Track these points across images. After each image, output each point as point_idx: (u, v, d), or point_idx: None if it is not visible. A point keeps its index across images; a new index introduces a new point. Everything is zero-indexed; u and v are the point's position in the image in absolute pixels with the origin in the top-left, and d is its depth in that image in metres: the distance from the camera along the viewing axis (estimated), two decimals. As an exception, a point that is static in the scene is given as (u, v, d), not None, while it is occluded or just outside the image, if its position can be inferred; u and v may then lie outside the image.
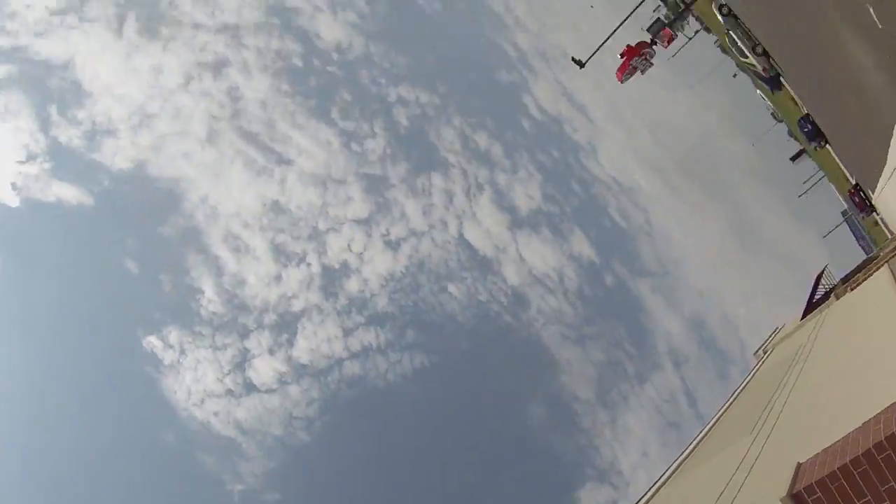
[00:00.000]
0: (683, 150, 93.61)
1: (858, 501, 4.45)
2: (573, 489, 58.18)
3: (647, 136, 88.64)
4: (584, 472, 59.70)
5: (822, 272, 21.10)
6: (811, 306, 18.69)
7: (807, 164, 53.18)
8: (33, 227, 55.32)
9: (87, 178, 57.21)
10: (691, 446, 12.09)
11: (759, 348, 20.55)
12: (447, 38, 77.94)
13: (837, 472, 4.55)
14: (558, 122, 79.63)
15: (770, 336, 21.34)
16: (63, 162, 56.65)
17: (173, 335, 55.56)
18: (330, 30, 71.17)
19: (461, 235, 69.13)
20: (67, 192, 55.54)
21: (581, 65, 25.64)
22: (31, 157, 55.41)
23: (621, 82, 27.01)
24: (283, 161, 65.72)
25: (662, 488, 10.43)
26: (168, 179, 61.26)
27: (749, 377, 16.22)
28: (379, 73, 71.91)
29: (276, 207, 63.90)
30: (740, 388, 15.34)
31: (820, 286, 19.93)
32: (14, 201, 53.99)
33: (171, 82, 62.18)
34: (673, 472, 11.10)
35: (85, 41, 58.27)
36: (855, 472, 4.49)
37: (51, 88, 57.57)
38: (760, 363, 17.80)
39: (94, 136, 58.36)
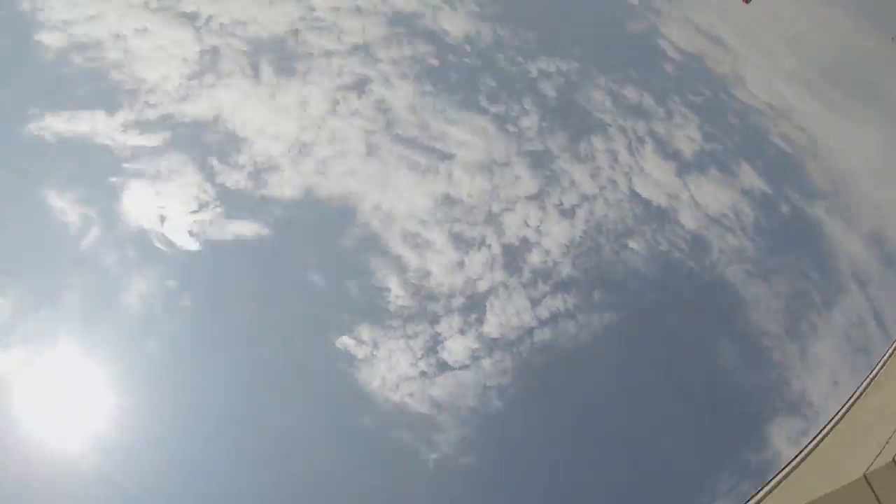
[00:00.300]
0: (827, 61, 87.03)
1: None
2: (763, 423, 56.62)
3: (788, 54, 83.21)
4: (774, 406, 57.82)
5: None
6: None
7: None
8: (216, 265, 59.26)
9: (260, 212, 60.26)
10: (882, 361, 11.85)
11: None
12: (567, 2, 76.01)
13: None
14: (699, 58, 76.08)
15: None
16: (233, 203, 59.85)
17: (365, 332, 57.75)
18: (454, 24, 71.28)
19: (632, 190, 67.72)
20: (243, 229, 58.75)
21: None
22: (202, 206, 58.92)
23: (746, 3, 25.87)
24: (445, 157, 66.54)
25: (856, 403, 10.37)
26: (338, 197, 63.59)
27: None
28: (514, 53, 71.17)
29: (448, 200, 64.90)
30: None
31: None
32: (194, 246, 57.73)
33: (318, 110, 64.06)
34: (864, 391, 10.98)
35: (227, 94, 61.10)
36: None
37: (206, 143, 60.88)
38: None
39: (259, 175, 61.29)
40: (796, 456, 9.45)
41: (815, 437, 9.85)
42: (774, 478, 8.56)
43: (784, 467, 9.18)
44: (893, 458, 5.06)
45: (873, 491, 5.19)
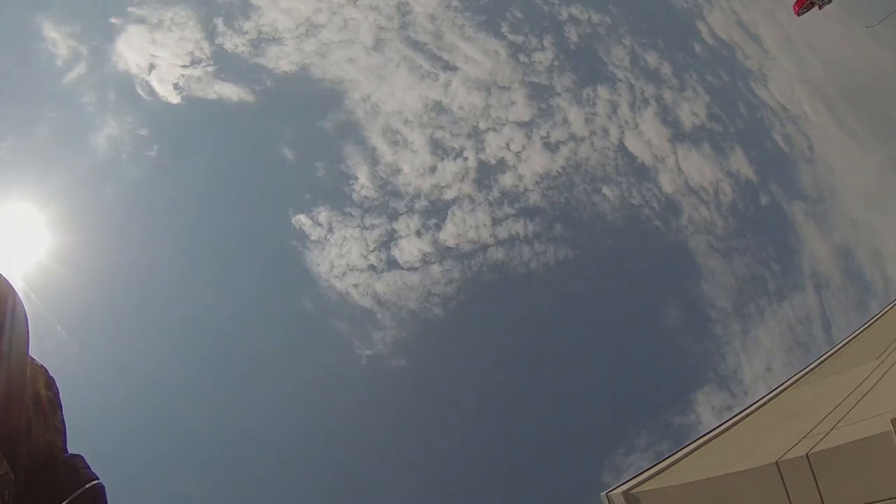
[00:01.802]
0: (855, 87, 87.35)
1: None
2: (691, 389, 58.49)
3: (820, 70, 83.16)
4: (706, 375, 59.68)
5: None
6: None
7: None
8: (193, 121, 59.21)
9: (250, 79, 59.98)
10: (818, 361, 12.30)
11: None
12: None
13: (951, 404, 4.83)
14: (730, 48, 76.10)
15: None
16: (226, 66, 59.58)
17: (323, 215, 58.59)
18: None
19: (621, 143, 68.23)
20: (229, 91, 58.78)
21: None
22: (195, 62, 58.82)
23: (798, 15, 25.69)
24: (449, 67, 66.26)
25: (781, 394, 10.80)
26: (331, 80, 63.09)
27: (888, 308, 15.97)
28: None
29: (438, 107, 64.94)
30: (878, 315, 15.18)
31: None
32: (175, 99, 57.98)
33: None
34: (795, 382, 11.42)
35: None
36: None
37: (218, 3, 60.50)
38: (906, 293, 17.40)
39: (260, 44, 60.99)
40: (717, 427, 9.83)
41: (738, 414, 10.27)
42: (691, 444, 8.94)
43: (703, 436, 9.59)
44: (807, 454, 5.35)
45: (782, 478, 5.50)
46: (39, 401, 1.51)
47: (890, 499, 4.92)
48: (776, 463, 5.61)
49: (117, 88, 59.86)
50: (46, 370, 1.53)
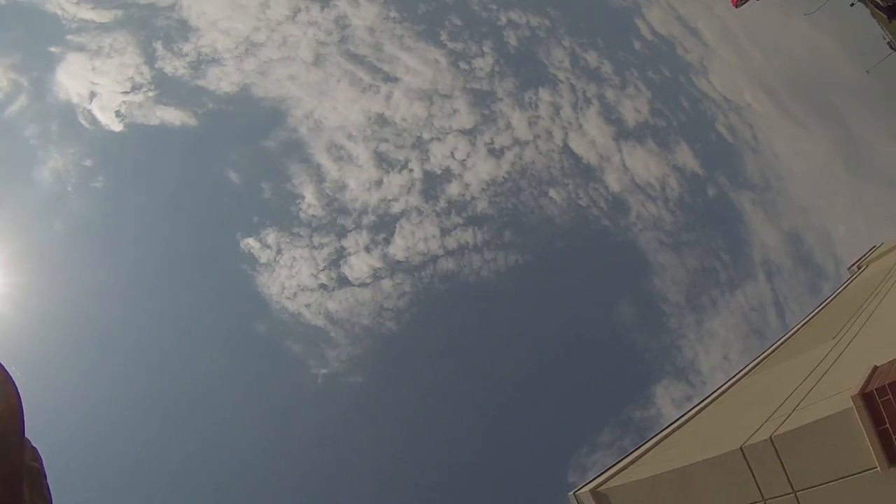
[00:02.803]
0: (796, 74, 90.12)
1: (927, 406, 4.73)
2: (650, 383, 59.21)
3: (760, 59, 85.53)
4: (663, 368, 60.57)
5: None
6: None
7: None
8: (137, 148, 58.78)
9: (192, 102, 59.56)
10: (774, 346, 12.40)
11: (854, 263, 20.36)
12: None
13: (910, 376, 4.81)
14: (670, 43, 78.05)
15: (866, 253, 21.07)
16: (167, 90, 59.26)
17: (271, 236, 58.54)
18: None
19: (566, 145, 69.36)
20: (171, 115, 58.47)
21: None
22: (135, 88, 58.42)
23: (736, 7, 26.24)
24: (390, 79, 66.76)
25: (740, 382, 10.84)
26: (273, 99, 62.99)
27: (840, 289, 16.22)
28: (489, 0, 71.93)
29: (381, 120, 65.31)
30: (830, 298, 15.40)
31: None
32: (118, 127, 57.38)
33: (278, 14, 63.62)
34: (753, 369, 11.48)
35: None
36: (928, 378, 4.74)
37: (156, 27, 60.01)
38: (853, 277, 17.70)
39: (199, 66, 60.78)
40: (679, 419, 9.82)
41: (699, 405, 10.27)
42: (656, 437, 8.90)
43: (666, 428, 9.55)
44: (770, 437, 5.31)
45: (748, 463, 5.45)
46: (29, 473, 1.40)
47: (856, 474, 4.88)
48: (741, 448, 5.56)
49: (60, 119, 58.89)
50: (30, 441, 1.41)
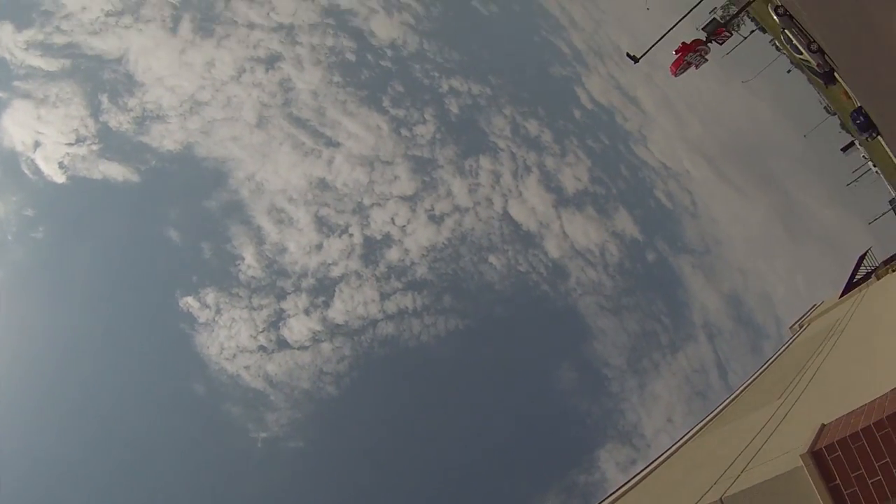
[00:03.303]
0: (734, 140, 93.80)
1: (878, 462, 4.64)
2: (594, 448, 59.06)
3: (699, 127, 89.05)
4: (606, 432, 60.58)
5: (865, 254, 21.12)
6: (851, 285, 18.78)
7: (856, 155, 54.65)
8: (79, 201, 58.41)
9: (135, 158, 59.65)
10: (719, 408, 12.34)
11: (796, 322, 20.65)
12: (502, 37, 79.76)
13: (860, 433, 4.73)
14: (609, 112, 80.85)
15: (807, 312, 21.41)
16: (111, 144, 59.43)
17: (210, 296, 57.97)
18: (384, 29, 73.16)
19: (506, 212, 70.60)
20: (114, 171, 58.41)
21: (636, 60, 25.81)
22: (80, 140, 58.46)
23: (675, 76, 27.03)
24: (332, 144, 67.76)
25: (686, 444, 10.72)
26: (215, 159, 63.26)
27: (783, 348, 16.36)
28: (432, 68, 73.74)
29: (322, 184, 65.91)
30: (774, 357, 15.50)
31: (862, 267, 19.98)
32: (61, 178, 57.03)
33: (223, 75, 64.52)
34: (698, 431, 11.38)
35: (139, 38, 60.76)
36: (877, 434, 4.66)
37: (103, 79, 60.27)
38: (796, 336, 17.91)
39: (144, 122, 61.14)
40: (624, 485, 9.65)
41: (644, 469, 10.11)
42: (604, 501, 8.71)
43: (613, 492, 9.36)
44: (721, 498, 5.19)
45: (698, 527, 5.30)
46: None
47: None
48: (691, 511, 5.40)
49: (2, 166, 57.99)
50: None
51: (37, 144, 56.45)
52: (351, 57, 70.62)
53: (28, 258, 54.73)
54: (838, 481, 4.68)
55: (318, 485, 56.02)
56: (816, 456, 4.80)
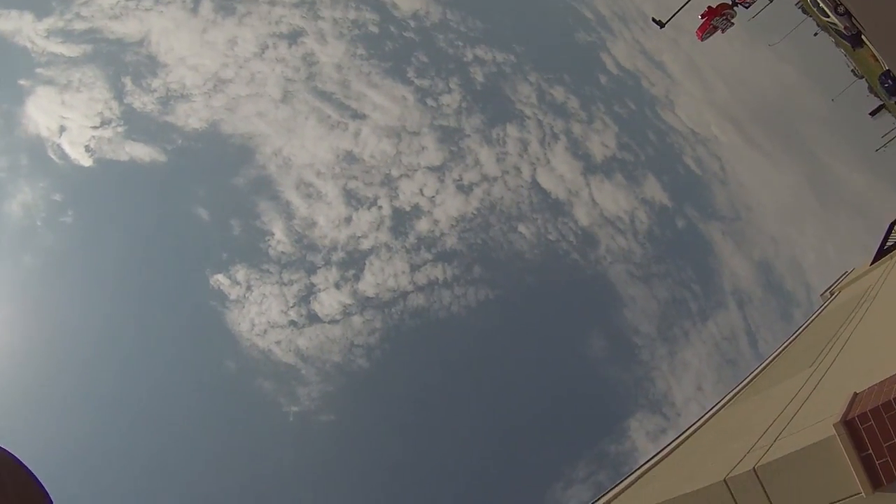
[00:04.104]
0: (762, 105, 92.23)
1: (910, 432, 4.67)
2: (624, 417, 59.05)
3: (726, 91, 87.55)
4: (636, 401, 60.52)
5: (896, 220, 20.82)
6: (882, 252, 18.54)
7: (886, 119, 53.51)
8: (107, 184, 58.70)
9: (161, 138, 59.73)
10: (750, 377, 12.33)
11: (826, 290, 20.46)
12: (525, 4, 78.67)
13: (892, 401, 4.75)
14: (635, 77, 79.72)
15: (838, 279, 21.21)
16: (136, 125, 59.53)
17: (240, 273, 58.29)
18: (407, 0, 72.72)
19: (534, 180, 70.21)
20: (140, 151, 58.59)
21: (661, 25, 25.57)
22: (104, 123, 58.60)
23: (701, 40, 26.74)
24: (358, 116, 67.43)
25: (717, 414, 10.74)
26: (241, 136, 63.24)
27: (814, 316, 16.24)
28: (456, 37, 73.13)
29: (350, 157, 65.78)
30: (804, 325, 15.40)
31: (893, 233, 19.72)
32: (88, 162, 57.34)
33: (245, 52, 64.35)
34: (729, 400, 11.40)
35: (160, 20, 60.69)
36: (909, 403, 4.69)
37: (125, 62, 60.33)
38: (827, 303, 17.76)
39: (168, 102, 61.08)
40: (656, 454, 9.70)
41: (676, 438, 10.15)
42: (635, 472, 8.77)
43: (643, 464, 9.42)
44: (754, 468, 5.22)
45: (732, 495, 5.35)
46: None
47: (841, 500, 4.81)
48: (724, 480, 5.45)
49: (29, 152, 58.70)
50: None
51: (62, 129, 56.98)
52: (374, 29, 70.41)
53: (58, 243, 55.48)
54: (870, 451, 4.71)
55: (349, 458, 56.59)
56: (849, 425, 4.82)
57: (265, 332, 56.87)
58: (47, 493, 1.32)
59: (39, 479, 1.33)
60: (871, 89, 51.73)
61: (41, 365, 51.56)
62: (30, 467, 1.27)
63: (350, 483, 54.88)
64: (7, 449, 1.30)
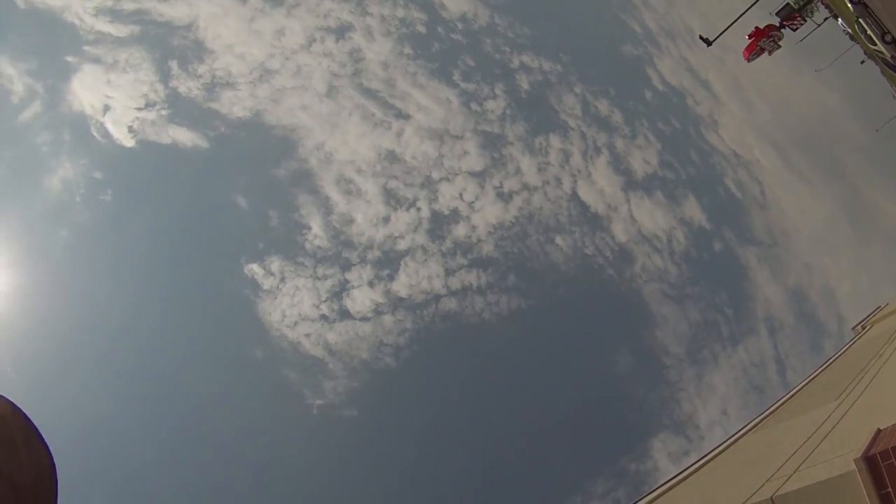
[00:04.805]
0: (805, 131, 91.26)
1: (931, 471, 4.68)
2: (647, 436, 58.63)
3: (770, 115, 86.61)
4: (661, 421, 60.04)
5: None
6: (920, 287, 18.33)
7: None
8: (148, 166, 59.47)
9: (204, 124, 60.28)
10: (775, 405, 12.29)
11: (859, 323, 20.28)
12: (573, 14, 78.45)
13: (915, 440, 4.77)
14: (681, 94, 79.10)
15: (871, 313, 21.00)
16: (181, 109, 60.12)
17: (275, 264, 58.73)
18: (455, 2, 72.76)
19: (574, 193, 69.95)
20: (183, 136, 59.20)
21: (709, 43, 25.57)
22: (149, 105, 59.22)
23: (748, 61, 26.68)
24: (402, 116, 67.62)
25: (740, 439, 10.73)
26: (284, 127, 63.66)
27: (844, 348, 16.13)
28: (503, 42, 73.14)
29: (392, 156, 65.99)
30: (833, 357, 15.31)
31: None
32: (130, 142, 58.05)
33: (293, 43, 64.80)
34: (754, 427, 11.37)
35: (208, 6, 61.42)
36: (932, 443, 4.70)
37: (172, 46, 61.06)
38: (858, 337, 17.62)
39: (214, 88, 61.68)
40: (676, 476, 9.72)
41: (697, 462, 10.16)
42: (654, 491, 8.80)
43: (662, 485, 9.45)
44: (772, 497, 5.26)
45: (748, 523, 5.40)
46: None
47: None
48: (741, 508, 5.49)
49: (72, 129, 59.54)
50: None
51: (106, 108, 57.71)
52: (422, 29, 70.67)
53: (95, 220, 56.21)
54: (889, 489, 4.72)
55: (369, 454, 56.78)
56: (870, 461, 4.83)
57: (295, 323, 57.28)
58: (51, 454, 1.33)
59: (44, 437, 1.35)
60: (915, 121, 51.23)
61: (68, 341, 52.37)
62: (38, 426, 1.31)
63: (367, 479, 55.14)
64: (16, 404, 1.29)
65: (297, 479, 53.76)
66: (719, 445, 10.77)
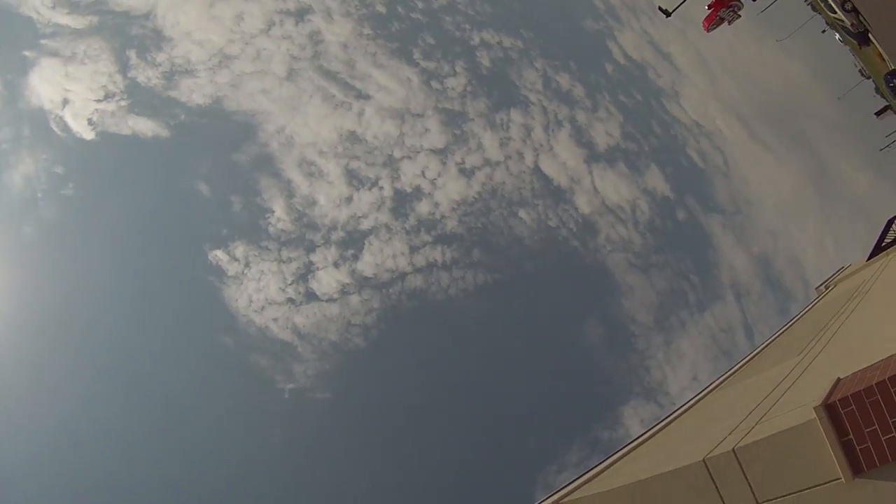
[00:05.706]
0: (767, 101, 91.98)
1: (892, 418, 4.66)
2: (618, 404, 59.38)
3: (731, 85, 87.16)
4: (631, 389, 60.87)
5: (894, 218, 20.86)
6: (879, 249, 18.62)
7: (891, 119, 53.78)
8: (109, 157, 58.60)
9: (164, 113, 59.44)
10: (740, 363, 12.41)
11: (822, 284, 20.53)
12: None
13: (874, 387, 4.74)
14: (642, 67, 79.38)
15: (834, 273, 21.28)
16: (140, 99, 59.23)
17: (239, 249, 58.32)
18: None
19: (536, 166, 70.13)
20: (143, 126, 58.36)
21: (668, 14, 25.47)
22: (108, 96, 58.30)
23: (707, 31, 26.64)
24: (362, 96, 67.17)
25: (704, 398, 10.81)
26: (245, 113, 62.92)
27: (807, 308, 16.31)
28: (463, 20, 72.75)
29: (353, 137, 65.58)
30: (797, 317, 15.47)
31: (890, 231, 19.77)
32: (90, 135, 57.10)
33: (252, 28, 64.01)
34: (717, 386, 11.47)
35: None
36: (892, 389, 4.68)
37: (131, 35, 59.91)
38: (821, 296, 17.83)
39: (173, 76, 60.81)
40: (643, 434, 9.77)
41: (663, 420, 10.22)
42: (619, 451, 8.83)
43: (630, 443, 9.49)
44: (733, 449, 5.25)
45: (710, 475, 5.39)
46: None
47: (820, 485, 4.83)
48: (703, 461, 5.49)
49: (32, 124, 58.52)
50: None
51: (65, 102, 56.74)
52: (381, 9, 70.08)
53: (58, 215, 55.43)
54: (851, 436, 4.71)
55: (343, 436, 56.90)
56: (829, 409, 4.82)
57: (262, 308, 57.08)
58: None
59: None
60: (877, 90, 51.87)
61: (37, 337, 51.77)
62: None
63: (342, 461, 55.25)
64: None
65: (271, 466, 53.76)
66: (684, 404, 10.85)
